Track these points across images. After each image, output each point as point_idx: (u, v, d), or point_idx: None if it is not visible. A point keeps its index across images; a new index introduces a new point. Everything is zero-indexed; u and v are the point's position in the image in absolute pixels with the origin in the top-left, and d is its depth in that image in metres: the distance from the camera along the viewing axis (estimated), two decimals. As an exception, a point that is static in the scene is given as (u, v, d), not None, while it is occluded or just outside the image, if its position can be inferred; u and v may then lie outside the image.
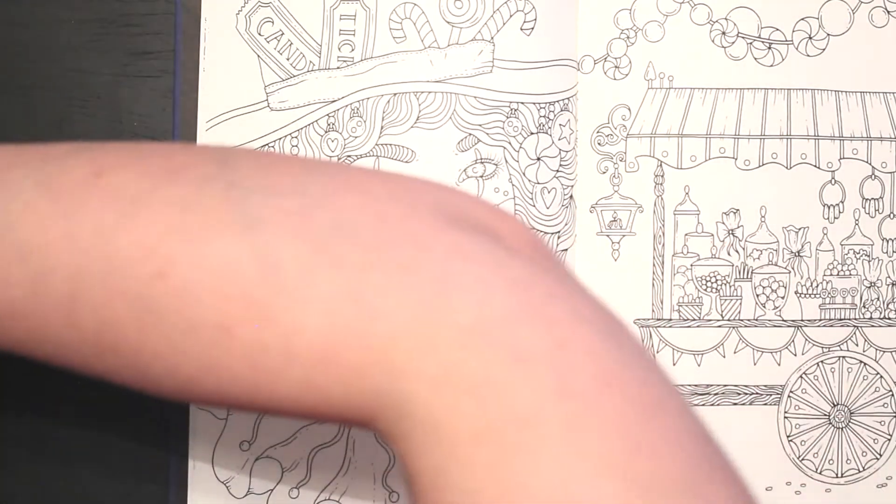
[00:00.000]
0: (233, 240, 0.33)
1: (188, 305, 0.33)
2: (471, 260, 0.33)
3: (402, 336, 0.32)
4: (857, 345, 0.61)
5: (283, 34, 0.58)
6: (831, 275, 0.61)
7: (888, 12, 0.61)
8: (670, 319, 0.60)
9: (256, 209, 0.33)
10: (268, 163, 0.36)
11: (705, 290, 0.60)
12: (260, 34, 0.58)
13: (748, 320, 0.60)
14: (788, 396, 0.61)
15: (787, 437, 0.61)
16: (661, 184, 0.60)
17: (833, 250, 0.61)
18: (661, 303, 0.60)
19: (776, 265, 0.61)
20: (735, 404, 0.60)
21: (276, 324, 0.33)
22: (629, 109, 0.60)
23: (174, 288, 0.33)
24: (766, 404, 0.60)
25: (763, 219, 0.60)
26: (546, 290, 0.33)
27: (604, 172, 0.60)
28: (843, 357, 0.61)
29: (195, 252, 0.33)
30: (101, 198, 0.34)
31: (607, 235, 0.60)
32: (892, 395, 0.61)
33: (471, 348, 0.31)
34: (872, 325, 0.61)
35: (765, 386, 0.61)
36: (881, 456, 0.61)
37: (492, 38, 0.58)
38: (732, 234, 0.60)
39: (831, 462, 0.61)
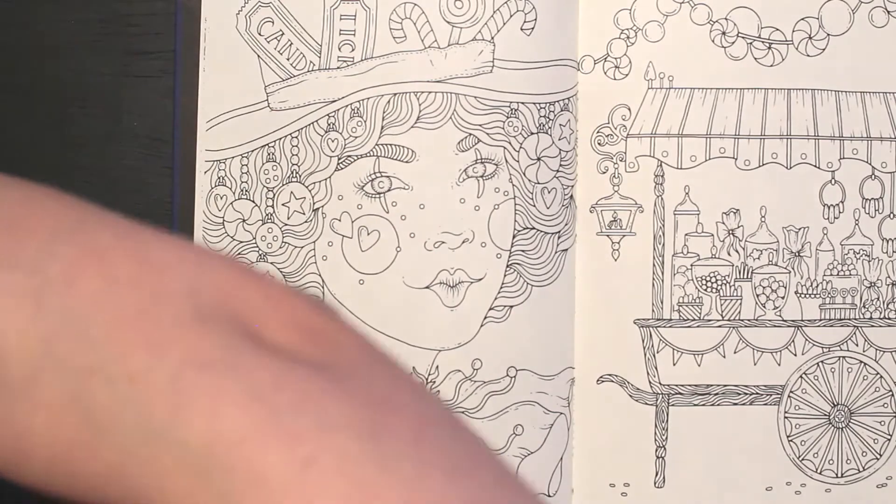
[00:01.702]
0: None
1: None
2: (208, 368, 0.29)
3: (133, 456, 0.29)
4: (857, 345, 0.61)
5: (283, 34, 0.58)
6: (831, 275, 0.61)
7: (888, 12, 0.61)
8: (670, 319, 0.60)
9: None
10: (20, 217, 0.32)
11: (705, 290, 0.60)
12: (260, 34, 0.58)
13: (748, 320, 0.60)
14: (788, 396, 0.61)
15: (787, 437, 0.61)
16: (661, 184, 0.60)
17: (833, 250, 0.61)
18: (661, 303, 0.60)
19: (776, 265, 0.61)
20: (735, 404, 0.60)
21: (7, 423, 0.30)
22: (629, 109, 0.60)
23: None
24: (766, 404, 0.60)
25: (763, 219, 0.60)
26: (292, 397, 0.29)
27: (604, 172, 0.60)
28: (843, 357, 0.61)
29: None
30: None
31: (607, 235, 0.60)
32: (892, 395, 0.61)
33: (205, 474, 0.28)
34: (872, 325, 0.61)
35: (765, 386, 0.61)
36: (881, 456, 0.61)
37: (492, 38, 0.58)
38: (732, 234, 0.60)
39: (831, 462, 0.61)
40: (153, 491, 0.29)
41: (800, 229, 0.61)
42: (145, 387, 0.29)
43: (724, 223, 0.60)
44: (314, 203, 0.58)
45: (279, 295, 0.32)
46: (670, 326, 0.60)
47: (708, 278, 0.60)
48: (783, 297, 0.61)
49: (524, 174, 0.59)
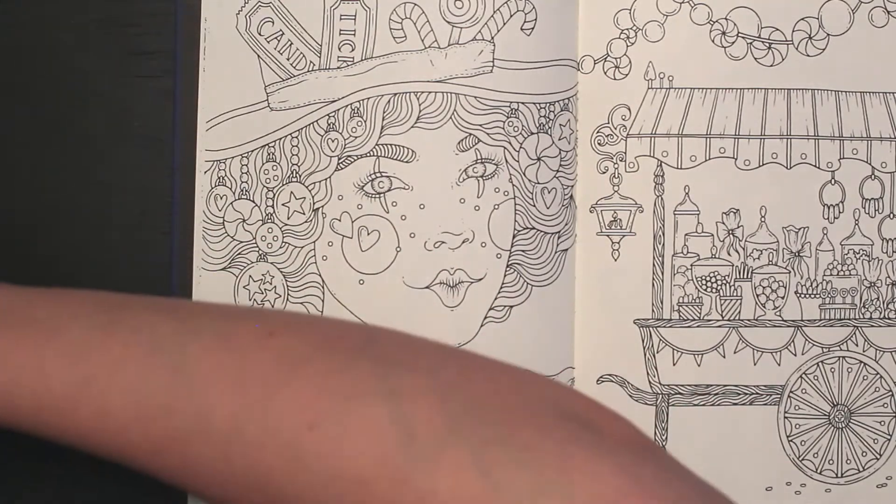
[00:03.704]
0: (376, 406, 0.38)
1: (332, 457, 0.38)
2: (584, 446, 0.37)
3: None
4: (857, 345, 0.61)
5: (283, 34, 0.58)
6: (831, 275, 0.61)
7: (888, 12, 0.61)
8: (670, 319, 0.60)
9: (397, 382, 0.38)
10: (407, 343, 0.41)
11: (705, 290, 0.60)
12: (260, 34, 0.58)
13: (748, 320, 0.60)
14: (788, 396, 0.61)
15: (787, 437, 0.61)
16: (661, 184, 0.60)
17: (833, 250, 0.61)
18: (661, 303, 0.60)
19: (776, 265, 0.61)
20: (735, 404, 0.60)
21: (411, 486, 0.37)
22: (629, 109, 0.60)
23: (321, 440, 0.38)
24: (766, 404, 0.60)
25: (763, 219, 0.61)
26: (651, 474, 0.37)
27: (604, 172, 0.60)
28: (843, 357, 0.61)
29: (343, 411, 0.38)
30: (270, 356, 0.40)
31: (607, 235, 0.60)
32: (892, 395, 0.61)
33: None
34: (872, 325, 0.61)
35: (765, 386, 0.61)
36: (881, 456, 0.61)
37: (492, 38, 0.58)
38: (732, 234, 0.61)
39: (831, 462, 0.61)
40: None
41: (800, 229, 0.61)
42: (537, 453, 0.37)
43: (724, 223, 0.60)
44: (314, 203, 0.58)
45: (607, 411, 0.42)
46: (670, 326, 0.60)
47: (708, 278, 0.60)
48: (783, 297, 0.61)
49: (524, 174, 0.59)
